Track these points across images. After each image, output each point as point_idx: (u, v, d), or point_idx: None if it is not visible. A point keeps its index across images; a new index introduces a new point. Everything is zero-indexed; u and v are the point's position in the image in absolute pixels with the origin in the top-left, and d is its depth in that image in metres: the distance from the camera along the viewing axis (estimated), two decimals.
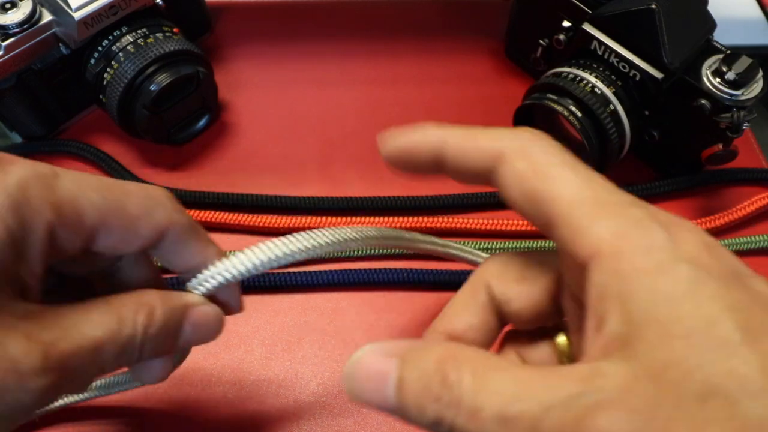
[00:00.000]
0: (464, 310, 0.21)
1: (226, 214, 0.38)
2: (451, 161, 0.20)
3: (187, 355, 0.26)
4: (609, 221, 0.16)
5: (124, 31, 0.37)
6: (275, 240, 0.22)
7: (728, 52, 0.35)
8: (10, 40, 0.34)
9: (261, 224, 0.37)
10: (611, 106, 0.36)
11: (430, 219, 0.38)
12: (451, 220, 0.38)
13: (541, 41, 0.42)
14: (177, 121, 0.40)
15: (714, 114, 0.35)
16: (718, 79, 0.35)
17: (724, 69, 0.34)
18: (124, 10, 0.37)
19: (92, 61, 0.37)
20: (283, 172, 0.41)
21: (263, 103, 0.45)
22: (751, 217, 0.39)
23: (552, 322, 0.22)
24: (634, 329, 0.15)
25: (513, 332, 0.23)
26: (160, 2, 0.39)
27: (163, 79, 0.37)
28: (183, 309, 0.21)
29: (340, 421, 0.32)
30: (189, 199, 0.38)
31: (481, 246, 0.37)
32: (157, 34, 0.38)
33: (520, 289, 0.21)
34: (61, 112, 0.41)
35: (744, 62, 0.34)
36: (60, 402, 0.29)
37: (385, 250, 0.37)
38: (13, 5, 0.35)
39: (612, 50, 0.36)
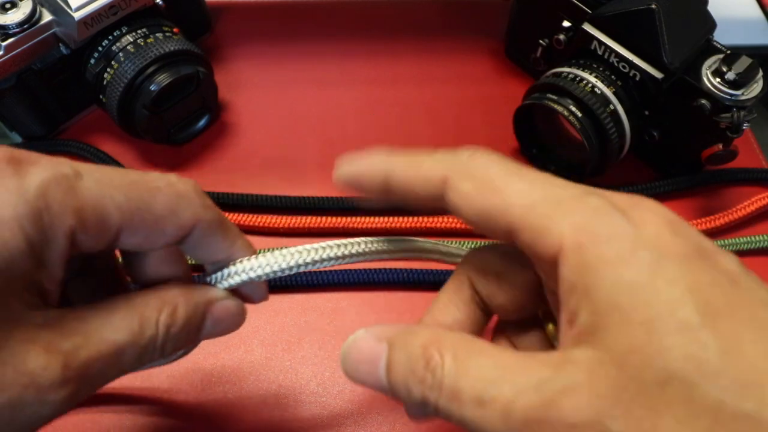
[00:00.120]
0: (449, 305, 0.22)
1: (226, 214, 0.38)
2: (397, 190, 0.20)
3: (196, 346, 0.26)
4: (567, 217, 0.17)
5: (124, 31, 0.37)
6: (307, 246, 0.22)
7: (728, 52, 0.35)
8: (10, 40, 0.34)
9: (261, 224, 0.37)
10: (611, 106, 0.36)
11: (430, 219, 0.38)
12: (451, 220, 0.38)
13: (541, 41, 0.42)
14: (177, 121, 0.40)
15: (714, 114, 0.35)
16: (718, 79, 0.35)
17: (724, 69, 0.34)
18: (124, 10, 0.37)
19: (92, 61, 0.37)
20: (283, 172, 0.41)
21: (263, 103, 0.45)
22: (751, 217, 0.39)
23: (539, 310, 0.22)
24: (600, 319, 0.15)
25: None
26: (160, 2, 0.39)
27: (163, 79, 0.37)
28: (205, 305, 0.21)
29: (340, 421, 0.32)
30: None
31: (481, 246, 0.37)
32: (157, 34, 0.38)
33: (501, 284, 0.21)
34: (61, 112, 0.41)
35: (744, 62, 0.34)
36: None
37: None
38: (13, 5, 0.35)
39: (612, 50, 0.36)
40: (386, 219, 0.38)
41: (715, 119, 0.35)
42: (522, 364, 0.16)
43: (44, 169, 0.17)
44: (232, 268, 0.22)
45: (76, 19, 0.35)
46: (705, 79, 0.35)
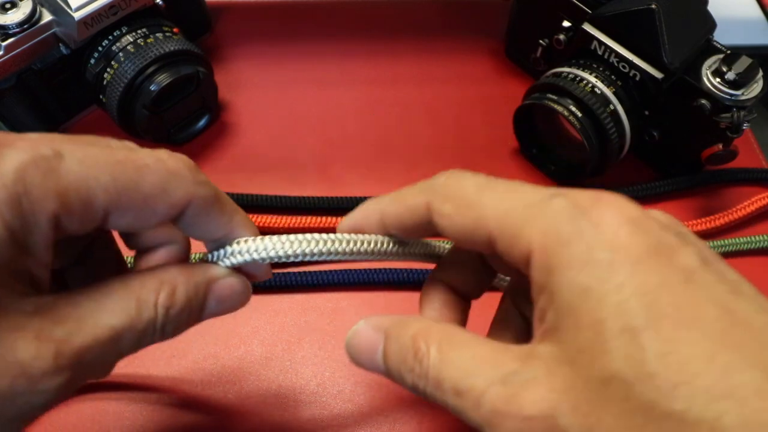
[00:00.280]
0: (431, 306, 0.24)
1: None
2: (393, 227, 0.22)
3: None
4: (534, 221, 0.18)
5: (124, 31, 0.37)
6: (315, 235, 0.21)
7: (728, 52, 0.35)
8: (10, 40, 0.34)
9: (261, 224, 0.37)
10: (611, 106, 0.36)
11: None
12: None
13: (541, 41, 0.42)
14: (177, 121, 0.40)
15: (714, 114, 0.35)
16: (718, 79, 0.35)
17: (724, 69, 0.34)
18: (124, 10, 0.37)
19: (92, 61, 0.37)
20: (283, 172, 0.41)
21: (263, 103, 0.45)
22: (751, 217, 0.39)
23: None
24: (560, 319, 0.17)
25: (515, 290, 0.24)
26: (160, 2, 0.39)
27: (163, 79, 0.37)
28: (207, 284, 0.21)
29: (340, 421, 0.32)
30: None
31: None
32: (157, 34, 0.38)
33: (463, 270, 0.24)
34: (61, 112, 0.41)
35: (744, 62, 0.34)
36: None
37: None
38: (13, 5, 0.35)
39: (612, 50, 0.36)
40: None
41: (715, 119, 0.35)
42: (494, 357, 0.18)
43: (22, 152, 0.16)
44: (236, 247, 0.21)
45: (76, 19, 0.35)
46: (705, 79, 0.35)
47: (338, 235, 0.22)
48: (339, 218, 0.38)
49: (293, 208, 0.39)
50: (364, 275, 0.36)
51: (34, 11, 0.35)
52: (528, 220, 0.18)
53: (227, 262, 0.21)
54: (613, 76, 0.37)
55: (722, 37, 0.37)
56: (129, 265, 0.26)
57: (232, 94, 0.45)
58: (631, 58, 0.36)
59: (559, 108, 0.36)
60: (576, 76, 0.37)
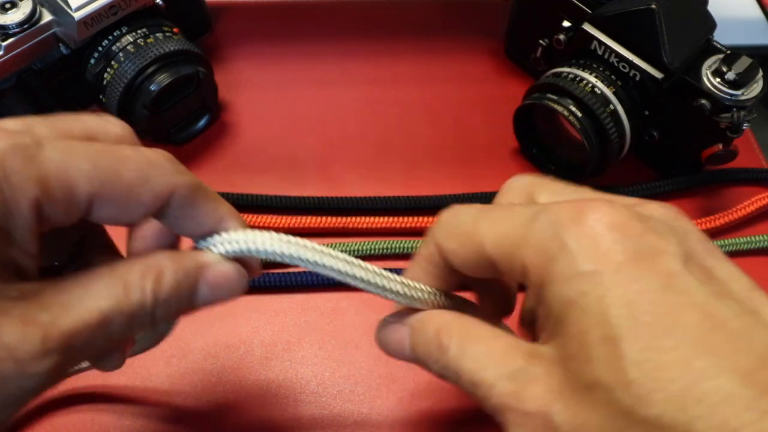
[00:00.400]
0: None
1: None
2: (430, 283, 0.23)
3: (172, 329, 0.25)
4: (524, 242, 0.19)
5: (124, 31, 0.37)
6: (317, 245, 0.21)
7: (728, 52, 0.35)
8: (10, 40, 0.34)
9: (261, 224, 0.37)
10: (611, 106, 0.36)
11: (430, 219, 0.38)
12: None
13: (541, 41, 0.42)
14: (177, 121, 0.40)
15: (714, 114, 0.35)
16: (718, 79, 0.35)
17: (724, 69, 0.34)
18: (124, 10, 0.37)
19: (92, 61, 0.37)
20: (283, 172, 0.41)
21: (263, 103, 0.45)
22: (751, 217, 0.39)
23: None
24: (554, 327, 0.18)
25: None
26: (160, 2, 0.39)
27: (163, 79, 0.37)
28: (197, 270, 0.20)
29: (340, 421, 0.32)
30: None
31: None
32: (157, 34, 0.38)
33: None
34: (61, 113, 0.41)
35: (744, 62, 0.34)
36: None
37: (384, 251, 0.37)
38: (13, 5, 0.35)
39: (612, 50, 0.36)
40: (386, 219, 0.38)
41: (715, 119, 0.35)
42: (506, 353, 0.19)
43: (0, 140, 0.16)
44: (229, 236, 0.21)
45: (76, 19, 0.35)
46: (705, 79, 0.35)
47: (340, 255, 0.22)
48: (339, 218, 0.38)
49: (293, 208, 0.39)
50: None
51: (34, 11, 0.35)
52: (519, 241, 0.19)
53: (219, 249, 0.21)
54: (613, 76, 0.37)
55: (722, 37, 0.37)
56: None
57: (232, 94, 0.45)
58: (631, 58, 0.36)
59: (559, 108, 0.36)
60: (576, 76, 0.37)
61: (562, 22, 0.40)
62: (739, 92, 0.34)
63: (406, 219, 0.38)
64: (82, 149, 0.17)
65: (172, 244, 0.22)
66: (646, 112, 0.38)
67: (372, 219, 0.38)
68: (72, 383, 0.31)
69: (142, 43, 0.37)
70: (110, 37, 0.37)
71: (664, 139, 0.39)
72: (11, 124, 0.18)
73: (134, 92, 0.37)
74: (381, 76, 0.46)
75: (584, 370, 0.17)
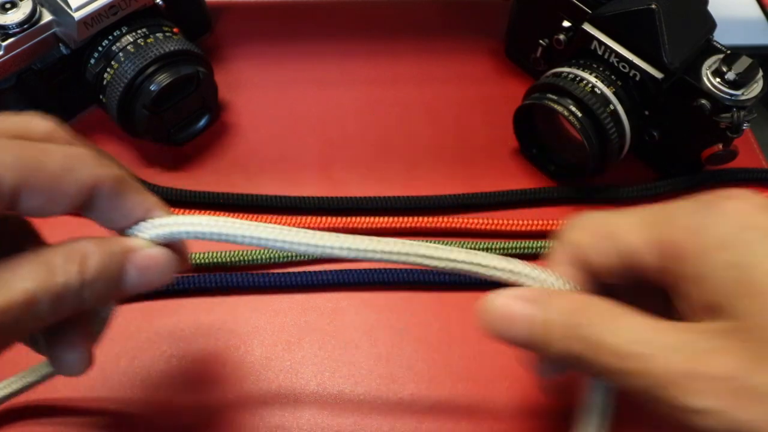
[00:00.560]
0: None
1: (228, 214, 0.38)
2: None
3: (108, 323, 0.25)
4: (667, 222, 0.21)
5: (124, 31, 0.37)
6: (248, 222, 0.22)
7: (728, 52, 0.35)
8: (10, 40, 0.34)
9: None
10: (611, 106, 0.36)
11: (430, 219, 0.38)
12: (451, 220, 0.38)
13: (541, 41, 0.42)
14: (177, 121, 0.40)
15: (714, 114, 0.35)
16: (718, 79, 0.35)
17: (724, 69, 0.34)
18: (124, 10, 0.37)
19: (92, 61, 0.37)
20: (283, 172, 0.41)
21: (263, 103, 0.45)
22: None
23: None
24: (721, 298, 0.19)
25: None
26: (160, 2, 0.39)
27: (163, 79, 0.37)
28: (123, 253, 0.21)
29: (340, 422, 0.32)
30: (189, 199, 0.38)
31: (481, 246, 0.37)
32: (157, 34, 0.38)
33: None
34: (61, 112, 0.41)
35: (744, 62, 0.34)
36: None
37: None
38: (13, 5, 0.35)
39: (612, 50, 0.36)
40: (386, 219, 0.38)
41: (715, 119, 0.35)
42: (656, 328, 0.19)
43: None
44: (157, 221, 0.21)
45: (76, 19, 0.35)
46: (705, 79, 0.35)
47: (274, 226, 0.22)
48: (339, 218, 0.38)
49: (293, 208, 0.39)
50: (364, 275, 0.36)
51: (34, 11, 0.35)
52: (662, 220, 0.20)
53: (146, 234, 0.21)
54: (613, 76, 0.37)
55: (722, 37, 0.37)
56: None
57: (232, 94, 0.45)
58: (631, 58, 0.36)
59: (559, 108, 0.36)
60: (576, 76, 0.37)
61: (562, 22, 0.40)
62: (739, 92, 0.34)
63: (406, 219, 0.38)
64: (6, 143, 0.18)
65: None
66: (646, 112, 0.38)
67: (372, 219, 0.38)
68: (72, 387, 0.31)
69: (142, 43, 0.37)
70: (110, 37, 0.37)
71: (664, 139, 0.39)
72: None
73: (134, 92, 0.37)
74: (381, 76, 0.46)
75: None
